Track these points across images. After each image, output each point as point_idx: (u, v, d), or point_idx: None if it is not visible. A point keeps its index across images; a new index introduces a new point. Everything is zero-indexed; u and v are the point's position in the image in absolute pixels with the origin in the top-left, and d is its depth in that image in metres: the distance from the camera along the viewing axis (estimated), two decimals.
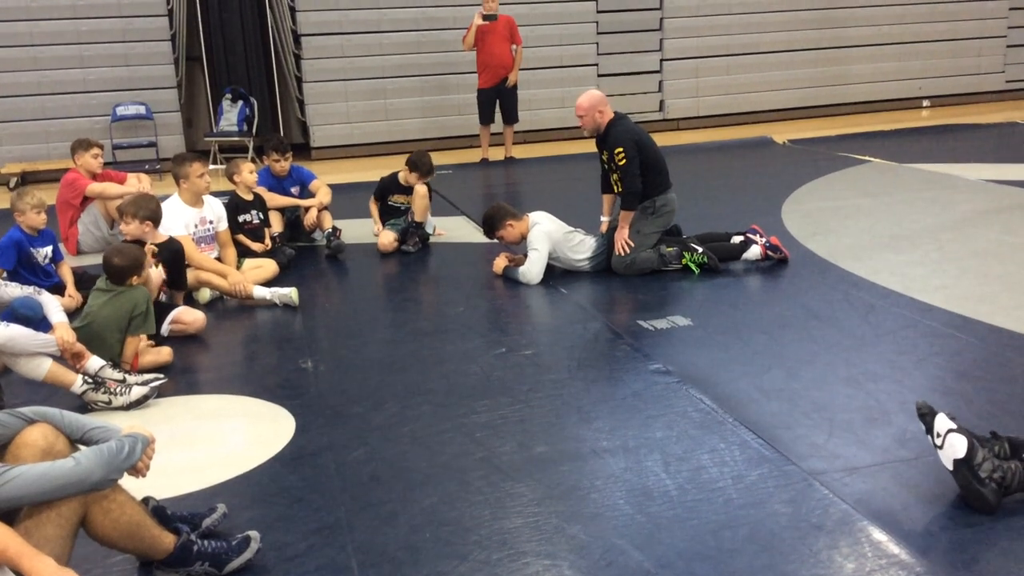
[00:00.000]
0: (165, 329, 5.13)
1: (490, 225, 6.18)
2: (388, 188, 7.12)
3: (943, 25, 13.63)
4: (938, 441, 3.08)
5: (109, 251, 4.69)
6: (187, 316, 5.25)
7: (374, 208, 7.27)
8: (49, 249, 5.92)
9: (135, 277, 4.61)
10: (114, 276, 4.59)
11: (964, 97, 13.94)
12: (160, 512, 2.91)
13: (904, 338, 4.64)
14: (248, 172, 6.62)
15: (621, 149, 5.88)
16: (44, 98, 10.84)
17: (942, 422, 3.09)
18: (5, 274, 5.52)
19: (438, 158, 10.69)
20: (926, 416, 3.14)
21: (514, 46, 10.60)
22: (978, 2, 13.70)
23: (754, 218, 6.63)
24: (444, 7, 11.51)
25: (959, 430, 3.06)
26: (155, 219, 5.30)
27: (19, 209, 5.79)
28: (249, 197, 6.64)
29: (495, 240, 6.27)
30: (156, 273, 5.17)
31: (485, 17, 10.34)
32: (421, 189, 6.90)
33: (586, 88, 12.22)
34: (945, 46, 13.69)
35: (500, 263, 6.10)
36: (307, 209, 7.11)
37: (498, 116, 10.89)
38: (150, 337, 4.76)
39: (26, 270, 5.72)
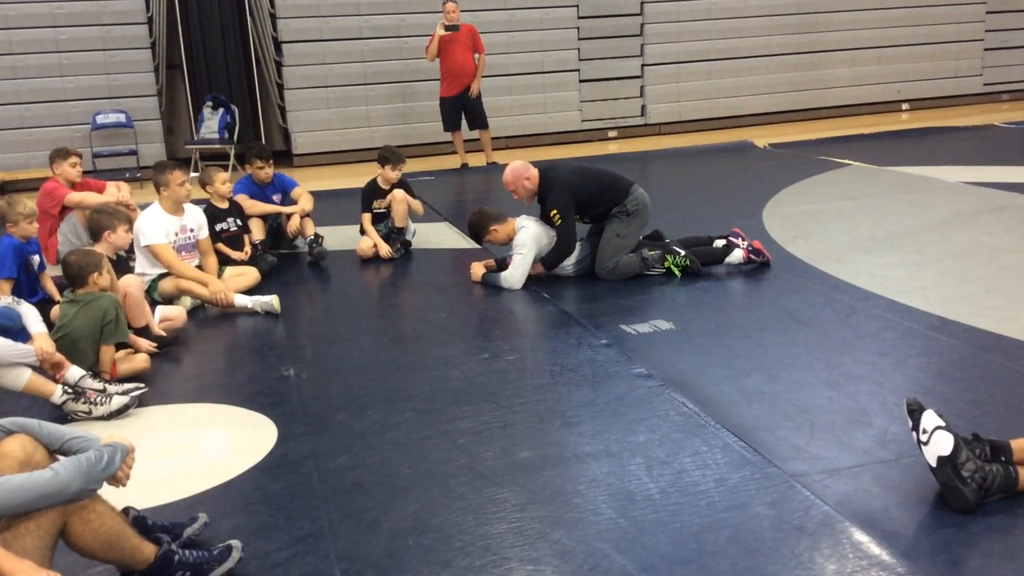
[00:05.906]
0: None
1: (476, 232, 6.22)
2: (370, 195, 7.07)
3: (921, 29, 13.73)
4: (923, 437, 3.09)
5: (65, 255, 4.68)
6: (171, 312, 5.53)
7: (367, 223, 6.97)
8: (37, 257, 5.88)
9: (95, 275, 4.58)
10: (76, 277, 4.56)
11: (943, 100, 14.03)
12: (140, 522, 2.90)
13: (884, 340, 4.67)
14: (221, 183, 6.56)
15: (555, 211, 5.91)
16: (23, 107, 10.78)
17: (930, 419, 3.11)
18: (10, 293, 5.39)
19: (420, 165, 10.75)
20: (915, 412, 3.15)
21: (476, 55, 10.65)
22: (955, 6, 13.81)
23: (735, 222, 6.65)
24: (425, 13, 11.51)
25: (946, 428, 3.08)
26: (131, 223, 5.70)
27: (11, 219, 5.69)
28: (224, 205, 6.60)
29: (484, 245, 6.28)
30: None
31: (447, 27, 10.38)
32: (399, 194, 6.86)
33: (568, 93, 12.39)
34: (923, 50, 13.80)
35: (478, 270, 6.08)
36: (289, 216, 7.10)
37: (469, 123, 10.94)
38: (120, 346, 4.71)
39: (26, 278, 5.66)
